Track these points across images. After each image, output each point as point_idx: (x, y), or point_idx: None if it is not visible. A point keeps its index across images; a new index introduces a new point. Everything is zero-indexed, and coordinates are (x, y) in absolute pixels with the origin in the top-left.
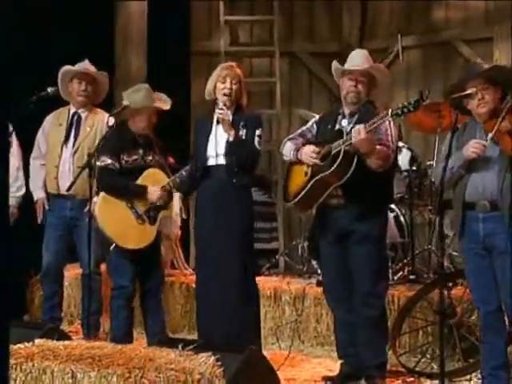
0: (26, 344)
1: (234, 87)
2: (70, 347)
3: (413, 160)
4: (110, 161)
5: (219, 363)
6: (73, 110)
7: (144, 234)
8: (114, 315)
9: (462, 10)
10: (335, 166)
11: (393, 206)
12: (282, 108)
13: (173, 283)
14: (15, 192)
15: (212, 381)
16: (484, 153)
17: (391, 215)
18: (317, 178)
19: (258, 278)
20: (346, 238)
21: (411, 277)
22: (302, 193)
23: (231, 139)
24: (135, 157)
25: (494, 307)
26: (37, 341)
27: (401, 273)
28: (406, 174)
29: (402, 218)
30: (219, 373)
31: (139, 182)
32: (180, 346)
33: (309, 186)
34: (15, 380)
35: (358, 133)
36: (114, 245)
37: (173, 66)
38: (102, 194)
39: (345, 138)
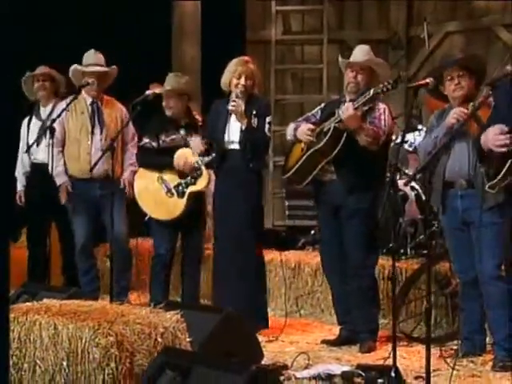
0: (35, 302)
1: (248, 82)
2: (64, 305)
3: None
4: (147, 140)
5: (183, 319)
6: (89, 99)
7: (172, 207)
8: (153, 281)
9: None
10: (324, 140)
11: (414, 184)
12: (332, 93)
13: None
14: None
15: (175, 334)
16: (463, 120)
17: (412, 193)
18: (309, 152)
19: (290, 252)
20: (339, 212)
21: (424, 251)
22: (296, 166)
23: (244, 128)
24: (173, 137)
25: (471, 277)
26: (44, 300)
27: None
28: None
29: (423, 196)
30: (182, 328)
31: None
32: (152, 304)
33: (302, 160)
34: (13, 331)
35: (346, 109)
36: (147, 216)
37: (227, 55)
38: (139, 171)
39: (336, 115)
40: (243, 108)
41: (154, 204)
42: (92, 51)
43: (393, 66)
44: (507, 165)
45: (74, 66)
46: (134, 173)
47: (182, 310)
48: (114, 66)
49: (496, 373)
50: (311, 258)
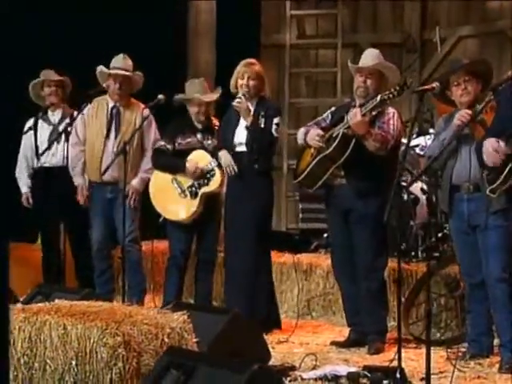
0: (47, 303)
1: (251, 83)
2: (74, 306)
3: None
4: (162, 143)
5: (189, 320)
6: (111, 103)
7: (185, 208)
8: (167, 281)
9: None
10: (333, 146)
11: (425, 187)
12: (346, 96)
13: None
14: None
15: (181, 335)
16: (468, 122)
17: (423, 197)
18: (318, 157)
19: (303, 255)
20: (348, 216)
21: (435, 254)
22: (306, 171)
23: (248, 125)
24: (189, 140)
25: (477, 280)
26: (56, 300)
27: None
28: None
29: (434, 199)
30: (189, 328)
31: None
32: (160, 305)
33: (312, 165)
34: (24, 331)
35: (354, 115)
36: (162, 217)
37: (242, 59)
38: (154, 172)
39: (345, 121)
40: (250, 107)
41: (168, 205)
42: (121, 56)
43: (406, 69)
44: (507, 169)
45: (100, 68)
46: (145, 181)
47: (189, 311)
48: (139, 73)
49: (502, 375)
50: (323, 261)
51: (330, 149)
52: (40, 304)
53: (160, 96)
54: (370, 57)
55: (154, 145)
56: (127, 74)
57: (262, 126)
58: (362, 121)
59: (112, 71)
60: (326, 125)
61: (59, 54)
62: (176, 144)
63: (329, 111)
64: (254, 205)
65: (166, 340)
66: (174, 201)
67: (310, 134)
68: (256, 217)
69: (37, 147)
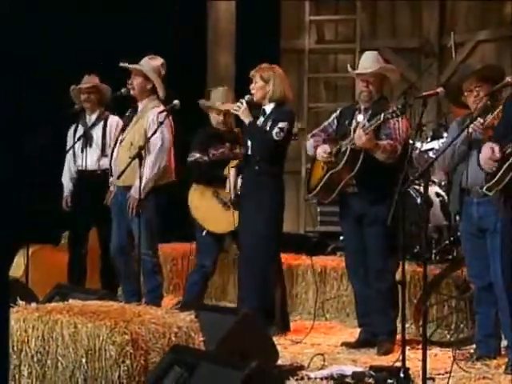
0: (61, 303)
1: (257, 85)
2: (86, 305)
3: None
4: (198, 155)
5: (196, 319)
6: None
7: (230, 219)
8: (188, 288)
9: None
10: (343, 162)
11: (440, 191)
12: None
13: None
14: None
15: (188, 334)
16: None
17: (437, 200)
18: (330, 172)
19: (317, 257)
20: (361, 221)
21: (448, 257)
22: (319, 185)
23: (247, 124)
24: (222, 150)
25: (486, 282)
26: (70, 300)
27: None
28: None
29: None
30: (195, 327)
31: (226, 171)
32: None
33: (324, 179)
34: (37, 329)
35: (359, 137)
36: (205, 231)
37: (262, 63)
38: (193, 185)
39: (351, 136)
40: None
41: (211, 218)
42: (146, 58)
43: (424, 73)
44: (503, 168)
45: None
46: (145, 187)
47: (198, 311)
48: (156, 76)
49: (507, 376)
50: (337, 263)
51: (340, 165)
52: (54, 303)
53: (175, 101)
54: (367, 61)
55: (159, 150)
56: (135, 67)
57: (267, 128)
58: (366, 139)
59: (131, 66)
60: (332, 130)
61: (59, 54)
62: (210, 155)
63: (334, 115)
64: (256, 205)
65: (173, 339)
66: (217, 214)
67: (319, 152)
68: (259, 217)
69: (74, 151)
